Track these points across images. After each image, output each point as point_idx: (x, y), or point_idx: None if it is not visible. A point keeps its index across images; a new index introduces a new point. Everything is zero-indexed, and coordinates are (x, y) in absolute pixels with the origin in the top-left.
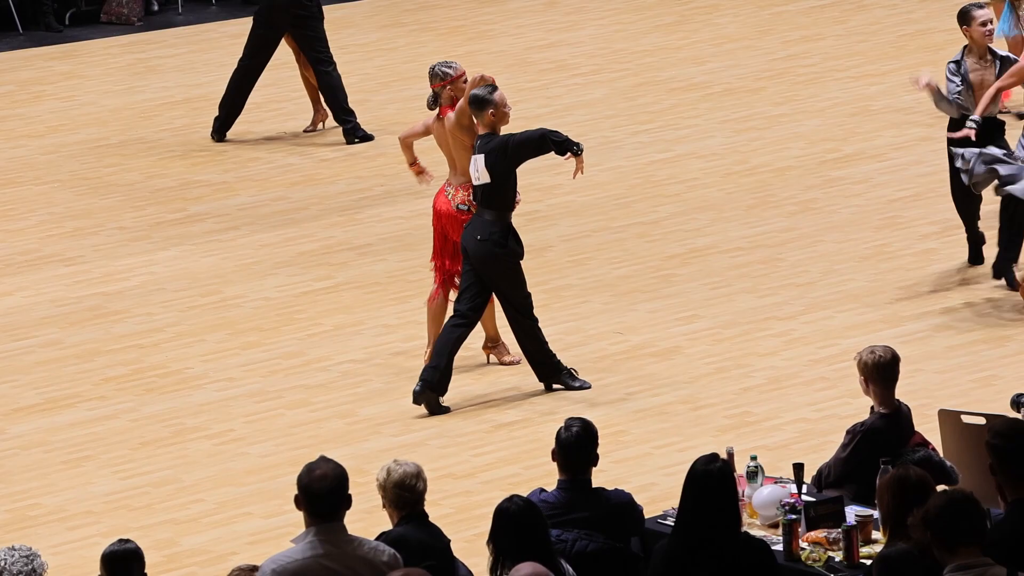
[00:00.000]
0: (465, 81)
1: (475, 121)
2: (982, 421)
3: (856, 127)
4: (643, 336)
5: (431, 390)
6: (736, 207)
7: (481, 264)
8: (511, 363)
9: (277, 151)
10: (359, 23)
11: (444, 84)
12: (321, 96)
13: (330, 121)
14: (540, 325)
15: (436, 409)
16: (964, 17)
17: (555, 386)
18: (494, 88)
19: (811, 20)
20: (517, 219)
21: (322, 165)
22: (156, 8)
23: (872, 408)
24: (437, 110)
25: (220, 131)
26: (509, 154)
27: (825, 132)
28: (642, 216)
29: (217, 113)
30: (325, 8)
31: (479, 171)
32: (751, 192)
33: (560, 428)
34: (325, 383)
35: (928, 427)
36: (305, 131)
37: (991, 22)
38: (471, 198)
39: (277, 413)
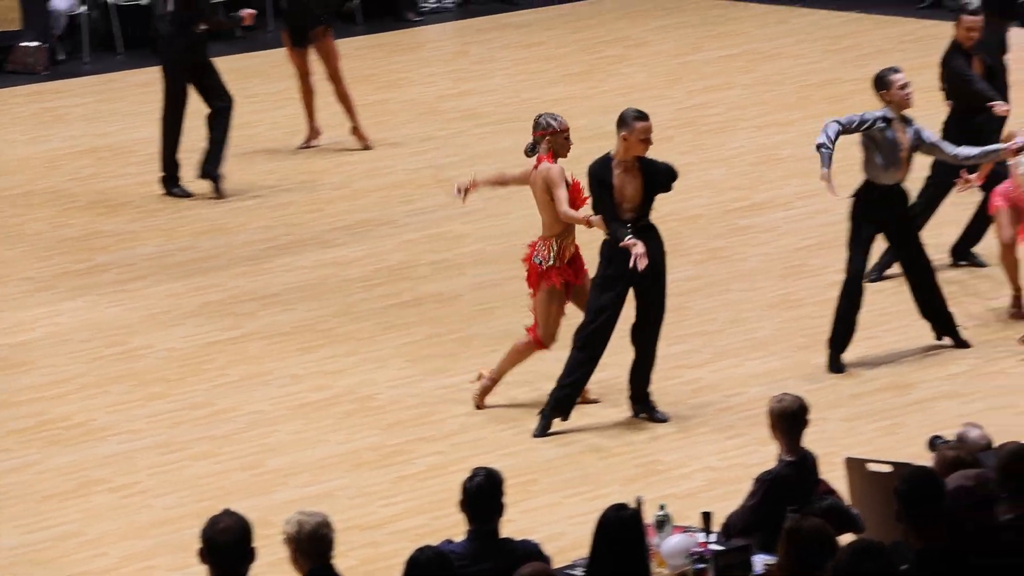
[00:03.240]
0: (567, 137)
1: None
2: (888, 469)
3: (762, 176)
4: (552, 385)
5: (646, 411)
6: None
7: (660, 269)
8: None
9: (183, 200)
10: (267, 71)
11: (544, 134)
12: (312, 114)
13: (320, 139)
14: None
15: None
16: (882, 82)
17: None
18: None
19: (718, 70)
20: (426, 266)
21: (229, 214)
22: (62, 57)
23: (779, 456)
24: (535, 159)
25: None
26: None
27: (732, 181)
28: None
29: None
30: (233, 57)
31: None
32: None
33: (465, 478)
34: (231, 434)
35: (835, 475)
36: (299, 148)
37: (909, 84)
38: (551, 252)
39: (183, 465)
